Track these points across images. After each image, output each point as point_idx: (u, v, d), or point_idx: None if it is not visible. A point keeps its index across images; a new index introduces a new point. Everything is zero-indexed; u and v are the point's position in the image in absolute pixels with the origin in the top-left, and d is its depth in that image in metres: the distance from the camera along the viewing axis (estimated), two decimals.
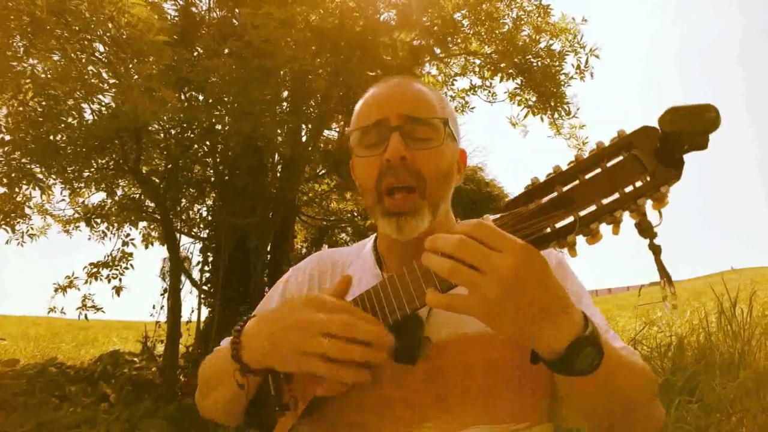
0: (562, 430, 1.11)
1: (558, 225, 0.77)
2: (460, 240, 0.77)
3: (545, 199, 0.78)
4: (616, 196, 0.74)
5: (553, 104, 8.33)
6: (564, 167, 0.79)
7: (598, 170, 0.76)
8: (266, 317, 1.01)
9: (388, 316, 0.94)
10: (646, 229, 0.74)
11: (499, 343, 1.04)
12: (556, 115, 8.54)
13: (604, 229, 0.77)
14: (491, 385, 1.02)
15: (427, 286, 0.86)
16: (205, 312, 8.17)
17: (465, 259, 0.76)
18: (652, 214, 0.74)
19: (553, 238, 0.78)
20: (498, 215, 0.83)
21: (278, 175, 8.56)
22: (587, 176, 0.76)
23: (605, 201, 0.74)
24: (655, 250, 0.74)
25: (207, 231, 8.56)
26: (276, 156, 8.35)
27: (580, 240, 0.78)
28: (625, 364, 0.93)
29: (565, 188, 0.77)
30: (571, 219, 0.76)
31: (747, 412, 3.96)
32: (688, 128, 0.69)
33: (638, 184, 0.73)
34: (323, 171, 9.12)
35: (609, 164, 0.75)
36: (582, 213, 0.75)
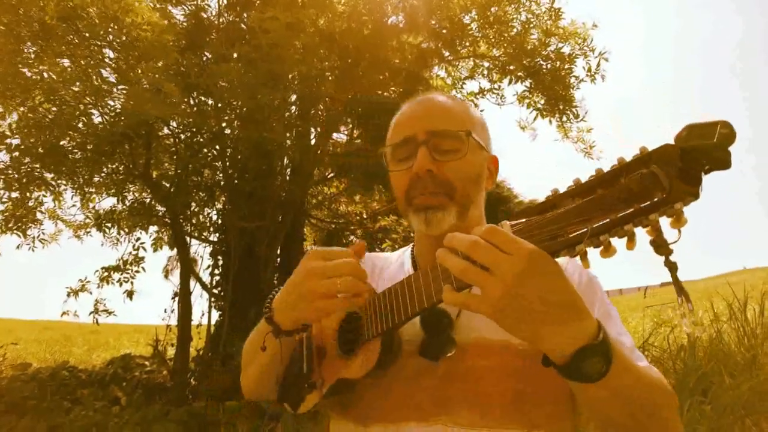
0: None
1: (571, 235, 0.79)
2: (474, 241, 0.81)
3: (562, 209, 0.80)
4: (631, 210, 0.74)
5: (561, 107, 8.33)
6: (584, 180, 0.80)
7: (617, 185, 0.76)
8: (288, 279, 1.09)
9: (408, 308, 0.99)
10: (660, 246, 0.75)
11: (520, 350, 1.07)
12: (564, 119, 8.54)
13: (620, 243, 0.77)
14: (507, 390, 1.05)
15: (445, 283, 0.89)
16: (215, 315, 8.20)
17: (477, 259, 0.80)
18: (670, 233, 0.75)
19: (564, 246, 0.80)
20: (515, 222, 0.85)
21: (287, 178, 8.59)
22: (605, 190, 0.77)
23: (619, 214, 0.75)
24: (671, 267, 0.76)
25: (217, 234, 8.60)
26: (285, 159, 8.38)
27: (595, 251, 0.79)
28: (643, 378, 0.94)
29: (583, 200, 0.78)
30: (584, 230, 0.77)
31: (761, 415, 3.92)
32: (702, 145, 0.70)
33: (654, 200, 0.73)
34: (332, 174, 9.14)
35: (627, 179, 0.75)
36: (594, 224, 0.76)
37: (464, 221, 1.13)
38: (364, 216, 10.65)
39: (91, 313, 7.13)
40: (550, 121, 8.64)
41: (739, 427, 3.90)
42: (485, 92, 9.22)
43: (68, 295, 7.25)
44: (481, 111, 9.38)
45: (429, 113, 1.18)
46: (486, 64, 9.01)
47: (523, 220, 0.84)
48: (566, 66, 7.96)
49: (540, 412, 1.04)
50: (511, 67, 8.19)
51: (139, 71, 5.08)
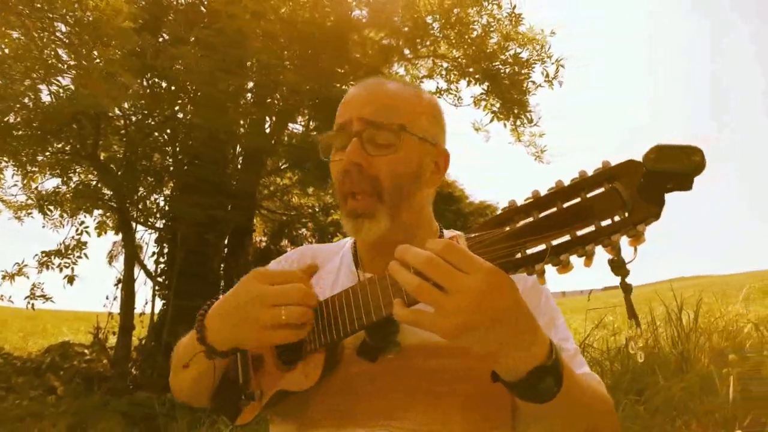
0: None
1: (529, 251, 0.76)
2: (429, 258, 0.76)
3: (520, 224, 0.76)
4: (592, 228, 0.71)
5: (516, 111, 8.49)
6: (543, 192, 0.76)
7: (578, 199, 0.73)
8: (226, 298, 1.01)
9: (355, 321, 0.94)
10: (618, 267, 0.73)
11: (467, 354, 1.01)
12: (518, 123, 8.72)
13: (578, 261, 0.75)
14: (453, 392, 1.03)
15: (395, 296, 0.85)
16: (159, 304, 8.01)
17: (432, 278, 0.76)
18: (627, 250, 0.73)
19: (522, 264, 0.77)
20: (471, 235, 0.81)
21: (239, 167, 8.47)
22: (565, 204, 0.73)
23: (580, 233, 0.72)
24: (626, 288, 0.75)
25: (164, 221, 8.39)
26: (237, 147, 8.26)
27: (552, 267, 0.77)
28: (587, 393, 0.96)
29: (542, 214, 0.74)
30: (543, 247, 0.74)
31: (692, 416, 4.08)
32: (672, 168, 0.68)
33: (616, 218, 0.71)
34: (285, 165, 9.05)
35: (589, 195, 0.72)
36: (555, 242, 0.73)
37: (398, 221, 1.08)
38: (317, 209, 10.60)
39: (26, 298, 6.88)
40: (505, 125, 8.81)
41: (670, 427, 4.05)
42: (442, 92, 9.31)
43: (3, 278, 6.97)
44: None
45: (369, 99, 1.10)
46: (445, 65, 9.10)
47: (480, 233, 0.80)
48: (524, 71, 8.11)
49: (485, 414, 1.03)
50: (470, 69, 8.30)
51: (95, 53, 4.92)
